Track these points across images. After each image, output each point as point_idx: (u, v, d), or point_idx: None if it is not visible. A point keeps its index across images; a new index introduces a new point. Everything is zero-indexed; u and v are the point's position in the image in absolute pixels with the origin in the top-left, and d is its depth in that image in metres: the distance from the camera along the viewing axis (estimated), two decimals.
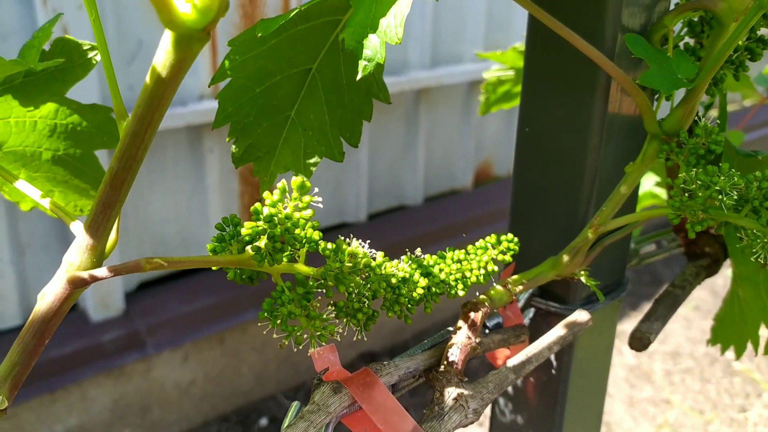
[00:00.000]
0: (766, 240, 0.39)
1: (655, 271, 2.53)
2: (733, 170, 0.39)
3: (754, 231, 0.39)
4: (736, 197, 0.38)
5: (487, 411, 0.54)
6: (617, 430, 1.82)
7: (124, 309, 1.64)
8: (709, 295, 2.40)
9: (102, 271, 0.32)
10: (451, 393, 0.40)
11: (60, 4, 1.36)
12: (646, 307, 1.23)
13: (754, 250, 0.39)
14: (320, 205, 0.34)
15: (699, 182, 0.39)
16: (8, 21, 1.36)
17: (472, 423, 0.41)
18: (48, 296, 0.33)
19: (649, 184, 0.97)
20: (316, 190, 0.36)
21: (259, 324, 0.38)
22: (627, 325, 2.13)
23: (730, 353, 2.14)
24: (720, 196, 0.38)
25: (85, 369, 1.53)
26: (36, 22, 1.37)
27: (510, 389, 0.56)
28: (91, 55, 0.43)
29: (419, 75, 2.05)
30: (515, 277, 0.47)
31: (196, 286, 1.74)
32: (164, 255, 1.79)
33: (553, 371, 0.53)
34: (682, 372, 2.05)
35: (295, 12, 0.40)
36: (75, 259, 0.33)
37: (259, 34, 0.38)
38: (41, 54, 0.43)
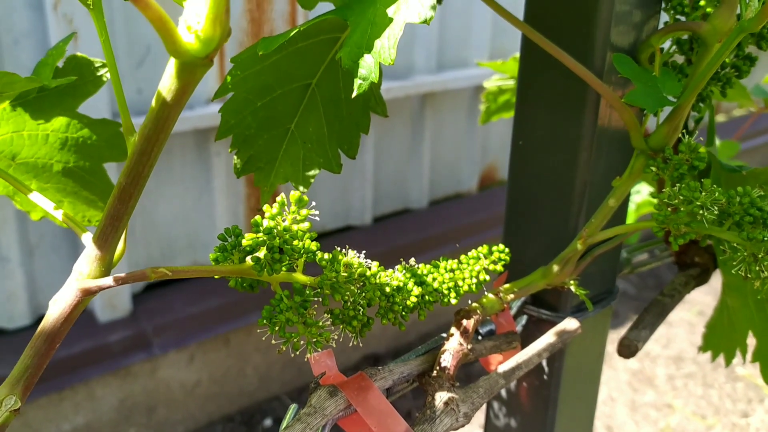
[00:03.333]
0: (746, 253, 0.40)
1: (660, 275, 2.54)
2: (715, 186, 0.40)
3: (735, 244, 0.41)
4: (717, 212, 0.40)
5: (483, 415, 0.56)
6: None
7: (131, 310, 1.66)
8: (713, 300, 2.40)
9: (109, 281, 0.34)
10: (442, 397, 0.42)
11: (71, 9, 1.38)
12: None
13: (734, 263, 0.41)
14: (317, 219, 0.36)
15: (681, 197, 0.40)
16: (20, 26, 1.38)
17: (462, 426, 0.43)
18: (59, 303, 0.35)
19: (648, 191, 0.98)
20: (314, 203, 0.38)
21: (258, 330, 0.40)
22: None
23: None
24: (701, 211, 0.40)
25: (93, 369, 1.56)
26: (46, 27, 1.39)
27: (504, 394, 0.58)
28: (101, 72, 0.45)
29: (425, 79, 2.07)
30: (507, 285, 0.48)
31: (202, 288, 1.77)
32: (171, 256, 1.81)
33: (545, 377, 0.54)
34: (685, 377, 2.06)
35: (295, 31, 0.42)
36: (85, 269, 0.34)
37: (260, 52, 0.40)
38: (54, 70, 0.45)
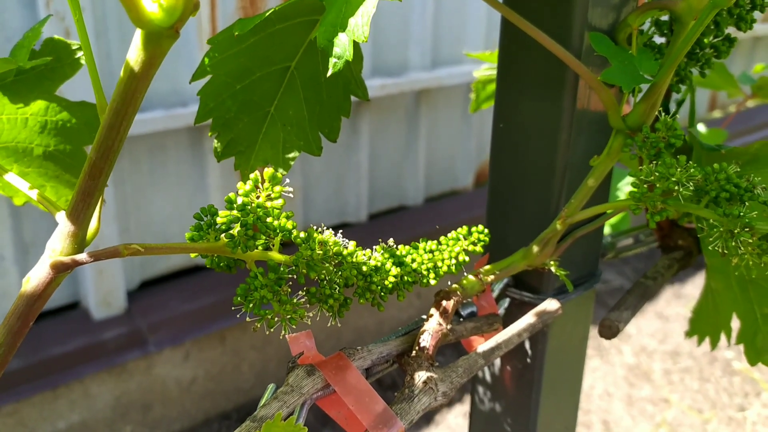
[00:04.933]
0: (722, 229, 0.40)
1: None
2: (690, 163, 0.40)
3: (712, 221, 0.41)
4: (692, 188, 0.40)
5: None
6: (616, 429, 1.83)
7: (126, 307, 1.66)
8: None
9: (83, 256, 0.34)
10: (421, 377, 0.42)
11: (63, 7, 1.38)
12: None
13: (711, 239, 0.41)
14: (291, 195, 0.36)
15: (657, 174, 0.40)
16: (12, 23, 1.39)
17: (441, 405, 0.43)
18: (32, 281, 0.35)
19: None
20: (288, 181, 0.38)
21: (233, 308, 0.40)
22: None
23: (731, 352, 2.14)
24: (677, 187, 0.40)
25: (88, 366, 1.56)
26: None
27: (488, 378, 0.58)
28: (79, 54, 0.45)
29: (420, 76, 2.07)
30: (487, 267, 0.48)
31: (198, 285, 1.77)
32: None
33: (529, 360, 0.54)
34: (682, 371, 2.06)
35: (270, 12, 0.42)
36: (57, 246, 0.34)
37: (236, 33, 0.40)
38: (32, 54, 0.46)
